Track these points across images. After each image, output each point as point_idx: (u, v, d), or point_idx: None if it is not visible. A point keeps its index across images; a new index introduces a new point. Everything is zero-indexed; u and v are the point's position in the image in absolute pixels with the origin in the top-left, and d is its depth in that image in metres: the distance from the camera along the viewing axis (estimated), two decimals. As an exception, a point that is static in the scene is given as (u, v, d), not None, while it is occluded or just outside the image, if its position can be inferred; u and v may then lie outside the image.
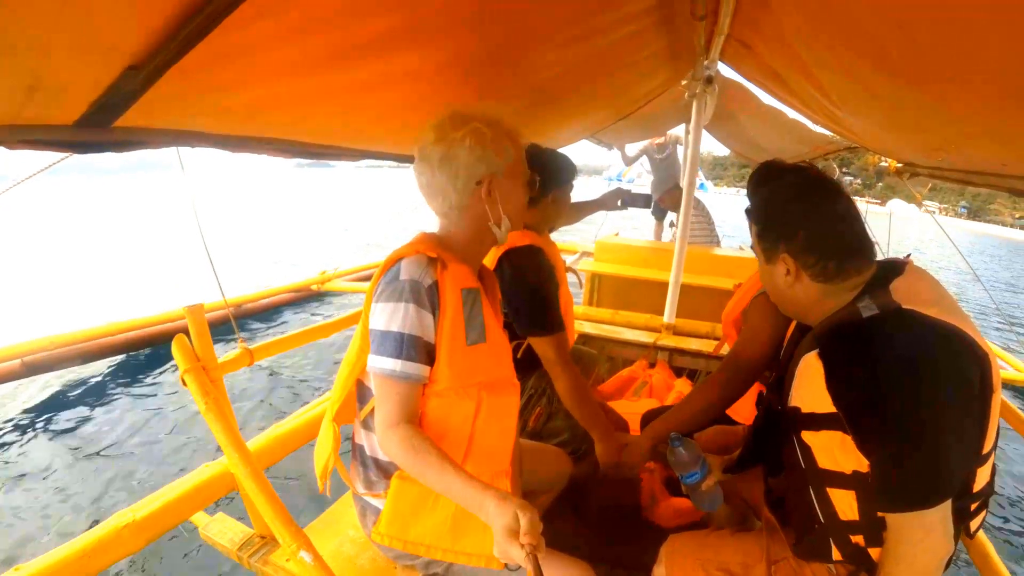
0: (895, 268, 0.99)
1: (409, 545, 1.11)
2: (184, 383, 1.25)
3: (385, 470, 1.15)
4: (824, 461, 0.98)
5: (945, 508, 0.86)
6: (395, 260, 1.07)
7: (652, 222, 6.77)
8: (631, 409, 2.40)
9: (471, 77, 1.43)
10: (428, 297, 1.02)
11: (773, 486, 1.17)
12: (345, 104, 1.29)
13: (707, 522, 1.67)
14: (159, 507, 1.23)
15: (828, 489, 0.98)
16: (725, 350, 2.84)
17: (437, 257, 1.06)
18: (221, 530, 1.40)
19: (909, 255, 1.08)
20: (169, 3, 0.62)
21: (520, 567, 0.82)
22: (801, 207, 1.02)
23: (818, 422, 0.96)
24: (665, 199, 4.10)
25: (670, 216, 6.08)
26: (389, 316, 1.02)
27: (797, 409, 1.01)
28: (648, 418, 2.10)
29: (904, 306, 0.89)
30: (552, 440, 1.91)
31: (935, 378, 0.84)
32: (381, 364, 1.01)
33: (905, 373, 0.84)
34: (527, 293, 1.55)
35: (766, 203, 1.07)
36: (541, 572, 0.78)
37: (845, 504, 0.97)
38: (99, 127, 0.90)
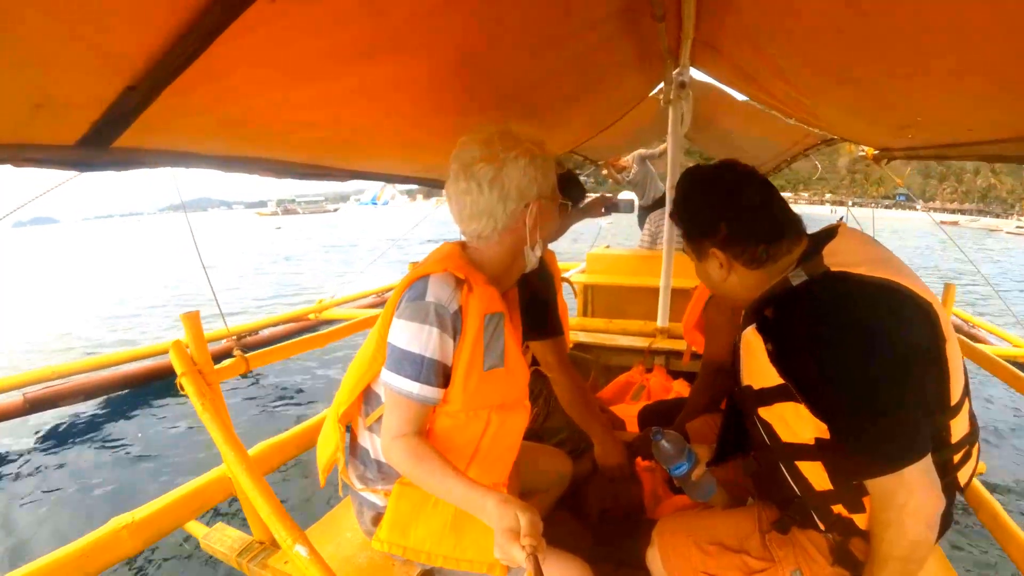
0: (828, 234, 1.01)
1: (409, 552, 1.11)
2: (181, 388, 1.28)
3: (386, 473, 1.17)
4: (785, 435, 0.98)
5: (923, 465, 0.84)
6: (421, 275, 1.06)
7: (639, 236, 6.73)
8: (629, 412, 2.41)
9: (450, 87, 1.48)
10: (452, 323, 1.01)
11: (745, 468, 1.18)
12: (326, 119, 1.33)
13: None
14: (158, 509, 1.25)
15: (796, 463, 0.98)
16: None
17: (465, 279, 1.04)
18: (220, 539, 1.41)
19: (841, 219, 1.10)
20: (164, 25, 0.66)
21: (521, 567, 0.84)
22: (716, 201, 1.05)
23: (770, 396, 0.97)
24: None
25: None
26: (411, 336, 1.01)
27: (750, 388, 1.02)
28: (645, 415, 2.11)
29: (833, 269, 0.90)
30: (550, 439, 1.92)
31: (870, 336, 0.84)
32: (398, 383, 1.02)
33: (839, 336, 0.85)
34: (528, 297, 1.58)
35: (684, 204, 1.10)
36: (541, 572, 0.80)
37: (816, 475, 0.97)
38: (99, 147, 0.96)
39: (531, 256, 1.13)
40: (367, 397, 1.19)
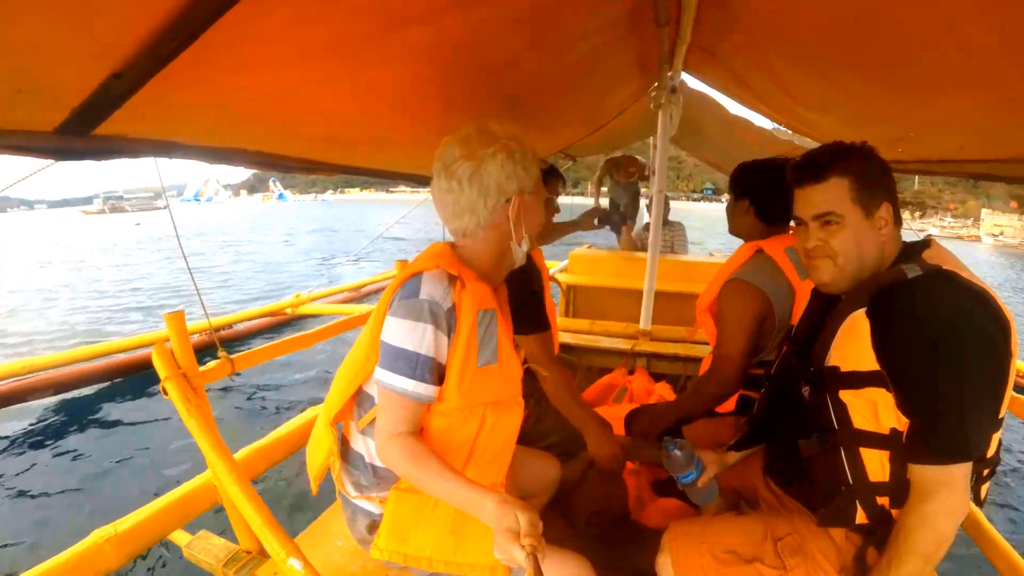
0: (923, 244, 1.07)
1: (410, 559, 1.09)
2: (165, 392, 1.22)
3: (382, 477, 1.14)
4: (860, 421, 1.02)
5: (968, 469, 0.91)
6: (414, 273, 1.05)
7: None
8: (613, 414, 2.41)
9: (445, 85, 1.45)
10: (446, 320, 1.01)
11: (804, 448, 1.16)
12: (317, 115, 1.30)
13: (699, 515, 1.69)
14: (141, 520, 1.19)
15: (861, 450, 1.02)
16: (700, 344, 2.92)
17: (457, 276, 1.05)
18: (205, 547, 1.36)
19: (930, 235, 1.15)
20: (156, 13, 0.63)
21: (521, 567, 0.83)
22: (884, 164, 1.09)
23: (859, 380, 1.00)
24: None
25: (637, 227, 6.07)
26: (405, 334, 1.00)
27: (836, 369, 1.04)
28: (631, 418, 2.12)
29: (944, 267, 0.96)
30: (542, 441, 1.91)
31: (977, 335, 0.90)
32: (392, 381, 1.01)
33: (952, 328, 0.90)
34: (515, 293, 1.58)
35: (869, 162, 1.09)
36: (541, 572, 0.79)
37: (876, 464, 1.01)
38: (78, 134, 0.90)
39: (518, 251, 1.14)
40: (359, 399, 1.16)
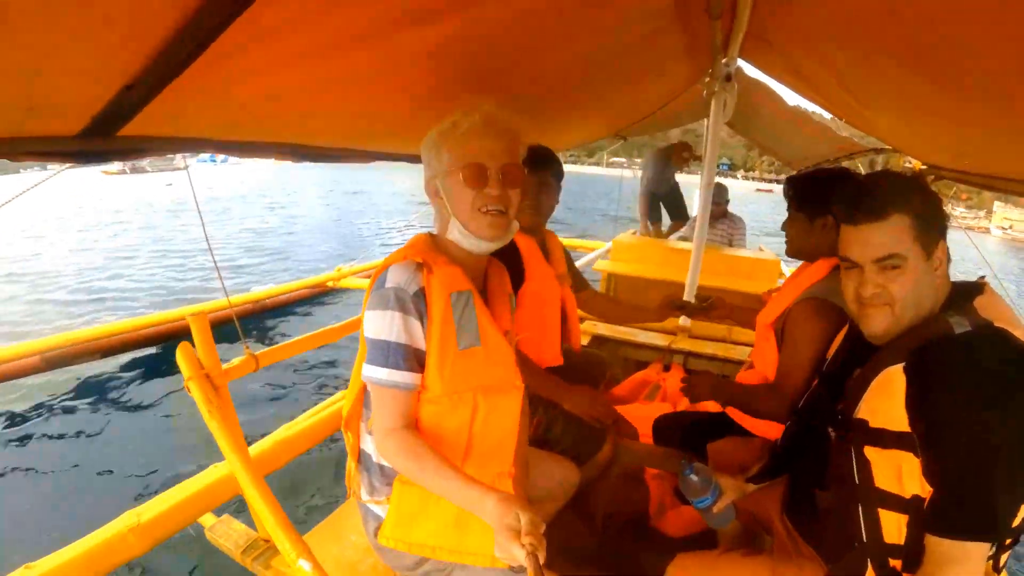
0: (975, 288, 0.97)
1: (415, 547, 1.11)
2: (189, 390, 1.27)
3: (388, 476, 1.15)
4: (882, 481, 0.96)
5: (987, 549, 0.85)
6: (385, 266, 1.07)
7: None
8: (643, 413, 2.37)
9: (477, 72, 1.38)
10: (414, 304, 1.01)
11: (820, 498, 1.14)
12: (345, 102, 1.27)
13: (716, 535, 1.65)
14: (164, 510, 1.26)
15: (879, 510, 0.96)
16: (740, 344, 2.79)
17: (424, 262, 1.05)
18: (226, 532, 1.42)
19: (983, 277, 1.04)
20: (161, 25, 0.61)
21: (522, 567, 0.83)
22: (937, 200, 0.99)
23: (886, 440, 0.94)
24: None
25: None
26: (377, 324, 1.02)
27: (864, 422, 0.98)
28: (660, 424, 2.07)
29: (996, 323, 0.87)
30: (555, 447, 1.89)
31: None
32: (372, 373, 1.02)
33: (996, 402, 0.82)
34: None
35: (928, 196, 0.99)
36: (542, 572, 0.79)
37: (893, 527, 0.95)
38: (103, 136, 0.91)
39: (457, 236, 1.09)
40: (365, 399, 1.18)
